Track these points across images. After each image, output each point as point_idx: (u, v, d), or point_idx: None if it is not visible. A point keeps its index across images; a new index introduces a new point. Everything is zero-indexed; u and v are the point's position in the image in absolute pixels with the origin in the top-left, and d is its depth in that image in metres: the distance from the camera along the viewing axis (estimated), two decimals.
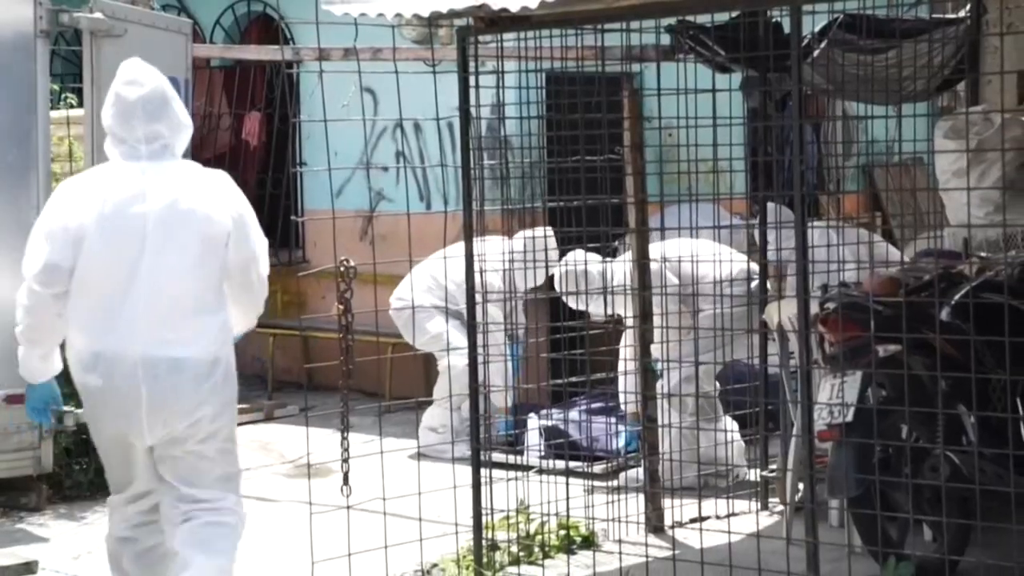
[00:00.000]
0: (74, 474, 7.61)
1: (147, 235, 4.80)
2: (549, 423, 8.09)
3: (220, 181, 4.98)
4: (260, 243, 5.00)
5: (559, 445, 7.69)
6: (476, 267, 6.17)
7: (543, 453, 7.79)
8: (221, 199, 4.92)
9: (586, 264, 7.54)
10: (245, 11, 11.53)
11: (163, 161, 4.91)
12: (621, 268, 7.45)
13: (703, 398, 7.13)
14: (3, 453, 5.36)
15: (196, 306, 4.84)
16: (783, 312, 6.60)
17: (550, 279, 7.90)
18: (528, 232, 7.81)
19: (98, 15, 5.60)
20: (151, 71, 4.96)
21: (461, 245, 6.25)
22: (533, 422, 8.18)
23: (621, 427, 7.74)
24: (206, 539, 4.85)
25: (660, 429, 6.90)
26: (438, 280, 8.31)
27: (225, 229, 4.87)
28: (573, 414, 8.08)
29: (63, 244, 4.77)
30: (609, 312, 7.33)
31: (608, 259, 7.65)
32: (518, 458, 7.44)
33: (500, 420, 8.31)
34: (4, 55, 5.35)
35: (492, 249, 7.14)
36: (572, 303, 7.61)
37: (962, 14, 7.88)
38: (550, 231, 8.00)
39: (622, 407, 7.72)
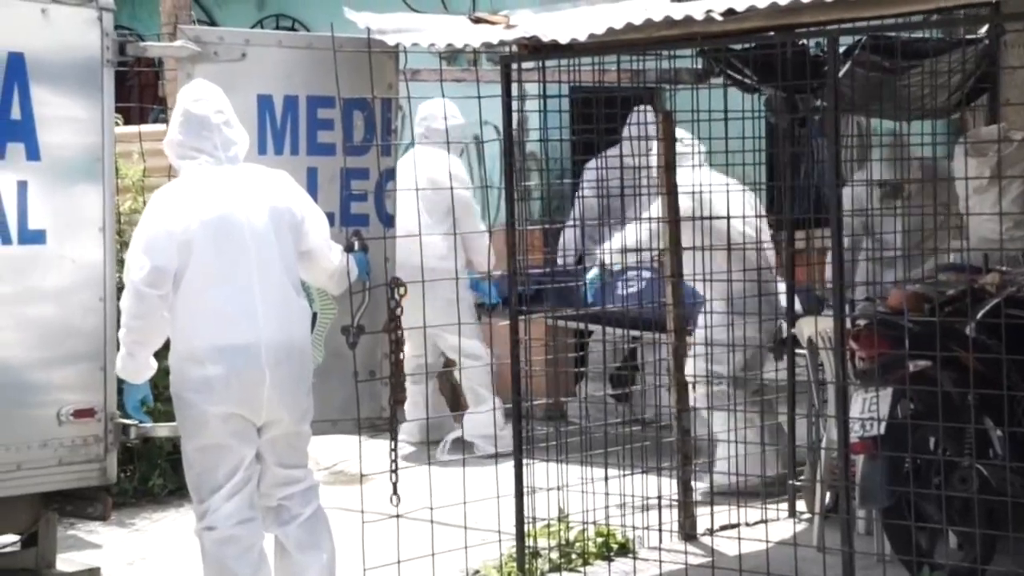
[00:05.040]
0: (120, 482, 7.84)
1: (248, 232, 5.32)
2: None
3: (286, 178, 5.59)
4: (327, 226, 5.64)
5: None
6: None
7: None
8: (292, 193, 5.54)
9: None
10: (273, 28, 11.75)
11: (237, 165, 5.46)
12: None
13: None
14: (72, 465, 5.54)
15: (295, 291, 5.43)
16: (814, 327, 6.80)
17: None
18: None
19: (180, 43, 5.81)
20: (214, 88, 5.50)
21: None
22: None
23: None
24: (310, 539, 5.46)
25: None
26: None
27: (301, 218, 5.48)
28: None
29: (167, 248, 5.25)
30: None
31: None
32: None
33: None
34: (74, 81, 5.53)
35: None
36: None
37: (982, 33, 8.10)
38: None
39: None
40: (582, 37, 5.50)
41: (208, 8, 12.28)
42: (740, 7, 5.16)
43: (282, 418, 5.38)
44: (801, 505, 7.27)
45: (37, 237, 5.42)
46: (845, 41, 7.33)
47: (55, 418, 5.50)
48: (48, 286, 5.48)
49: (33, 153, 5.40)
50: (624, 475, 6.99)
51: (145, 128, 8.06)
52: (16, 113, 5.35)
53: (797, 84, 6.70)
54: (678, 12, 5.24)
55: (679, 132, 7.64)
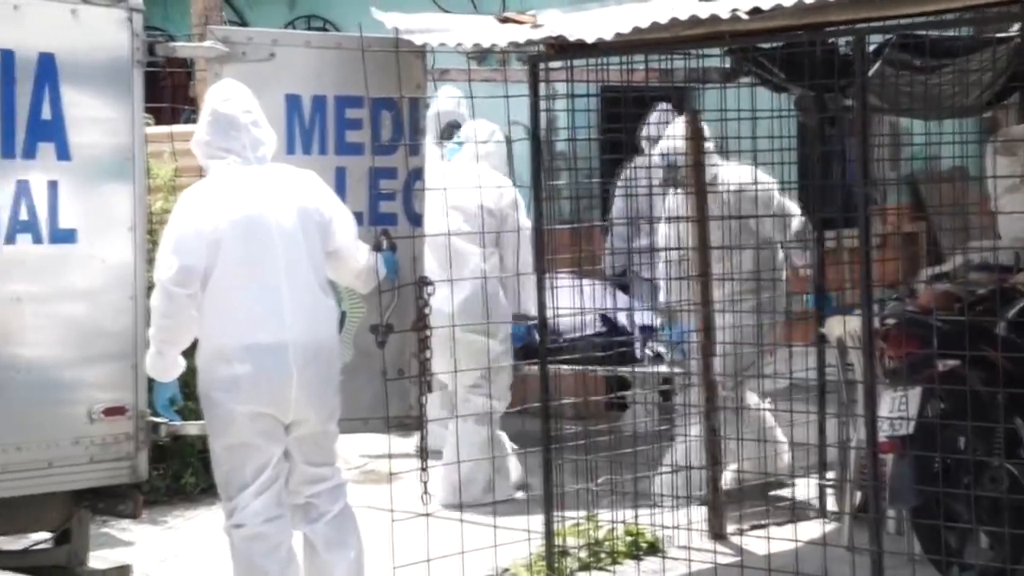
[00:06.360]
0: (152, 480, 7.88)
1: (277, 232, 5.34)
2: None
3: (314, 177, 5.58)
4: (355, 226, 5.64)
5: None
6: None
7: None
8: (320, 193, 5.54)
9: None
10: (305, 28, 11.79)
11: (266, 164, 5.48)
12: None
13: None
14: (103, 463, 5.58)
15: (322, 291, 5.44)
16: (843, 327, 6.79)
17: None
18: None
19: (209, 43, 5.84)
20: (242, 88, 5.52)
21: None
22: None
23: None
24: (338, 537, 5.47)
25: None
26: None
27: (329, 218, 5.48)
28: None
29: (196, 248, 5.27)
30: None
31: None
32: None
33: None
34: (104, 81, 5.57)
35: None
36: None
37: (1013, 31, 8.05)
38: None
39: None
40: (608, 36, 5.51)
41: (240, 9, 12.35)
42: (766, 6, 5.15)
43: (309, 417, 5.40)
44: (832, 504, 7.26)
45: (68, 236, 5.45)
46: (876, 40, 7.31)
47: (86, 416, 5.53)
48: (79, 285, 5.51)
49: (63, 153, 5.43)
50: (653, 474, 7.01)
51: (176, 128, 8.10)
52: (47, 113, 5.38)
53: (825, 83, 6.68)
54: (704, 11, 5.24)
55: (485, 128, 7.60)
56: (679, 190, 7.27)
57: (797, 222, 7.55)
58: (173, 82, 11.54)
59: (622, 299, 8.55)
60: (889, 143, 10.91)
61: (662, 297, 7.83)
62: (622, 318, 8.47)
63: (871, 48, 7.23)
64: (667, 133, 7.47)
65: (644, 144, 8.31)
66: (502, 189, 7.30)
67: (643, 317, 8.50)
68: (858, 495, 6.79)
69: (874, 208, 10.84)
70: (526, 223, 7.58)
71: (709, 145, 7.43)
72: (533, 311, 7.66)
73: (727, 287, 7.20)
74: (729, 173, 7.31)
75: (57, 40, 5.42)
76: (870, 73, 7.23)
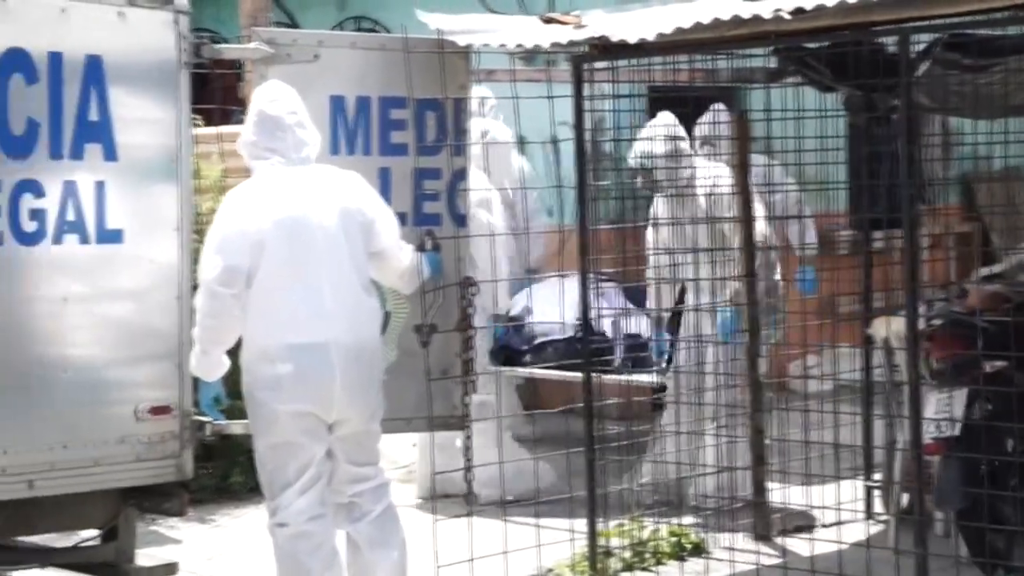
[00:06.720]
0: (200, 479, 7.95)
1: (320, 233, 5.38)
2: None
3: (357, 178, 5.63)
4: (397, 226, 5.69)
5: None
6: None
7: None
8: (364, 193, 5.59)
9: None
10: (354, 29, 11.84)
11: (309, 165, 5.52)
12: None
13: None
14: (149, 461, 5.64)
15: (365, 291, 5.47)
16: (888, 327, 6.75)
17: None
18: None
19: (254, 45, 5.89)
20: (288, 89, 5.57)
21: None
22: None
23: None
24: (381, 537, 5.50)
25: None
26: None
27: (372, 219, 5.51)
28: None
29: (240, 248, 5.32)
30: None
31: None
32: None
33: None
34: (151, 83, 5.62)
35: None
36: None
37: None
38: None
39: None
40: (651, 37, 5.51)
41: (290, 10, 12.42)
42: (809, 5, 5.13)
43: (351, 417, 5.43)
44: (878, 506, 7.22)
45: (114, 236, 5.50)
46: (926, 39, 7.25)
47: (132, 415, 5.57)
48: (125, 285, 5.56)
49: (110, 154, 5.48)
50: (697, 475, 6.99)
51: (224, 129, 8.16)
52: (94, 114, 5.43)
53: (871, 83, 6.63)
54: (747, 11, 5.23)
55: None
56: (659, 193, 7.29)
57: (757, 228, 7.47)
58: (223, 83, 11.64)
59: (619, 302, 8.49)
60: (940, 143, 10.81)
61: (650, 303, 7.80)
62: (604, 323, 8.41)
63: (921, 47, 7.19)
64: (641, 134, 7.43)
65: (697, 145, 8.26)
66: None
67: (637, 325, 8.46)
68: (904, 497, 6.76)
69: (924, 208, 10.78)
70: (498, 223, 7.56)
71: (684, 145, 7.41)
72: (506, 310, 7.68)
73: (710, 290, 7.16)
74: (705, 173, 7.28)
75: (104, 42, 5.47)
76: (919, 73, 7.19)
